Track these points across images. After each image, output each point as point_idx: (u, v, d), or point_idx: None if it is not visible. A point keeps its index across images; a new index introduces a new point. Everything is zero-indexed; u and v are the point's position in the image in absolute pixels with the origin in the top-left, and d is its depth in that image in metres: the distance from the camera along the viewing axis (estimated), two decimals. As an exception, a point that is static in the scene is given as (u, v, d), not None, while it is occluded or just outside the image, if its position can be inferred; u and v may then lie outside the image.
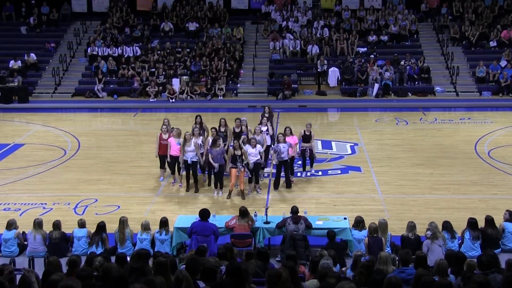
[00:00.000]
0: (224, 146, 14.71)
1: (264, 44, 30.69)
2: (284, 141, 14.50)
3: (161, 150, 15.18)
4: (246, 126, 15.99)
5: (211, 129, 15.12)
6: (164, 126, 15.38)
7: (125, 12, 31.93)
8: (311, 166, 15.87)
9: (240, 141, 14.53)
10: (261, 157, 14.46)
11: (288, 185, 14.95)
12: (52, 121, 23.66)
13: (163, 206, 14.14)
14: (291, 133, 15.06)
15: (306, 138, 15.42)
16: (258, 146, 14.40)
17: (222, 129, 15.62)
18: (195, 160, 14.57)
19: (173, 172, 15.27)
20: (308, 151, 15.49)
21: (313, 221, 11.39)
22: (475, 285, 6.50)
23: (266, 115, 16.44)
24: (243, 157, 14.20)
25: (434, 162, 17.09)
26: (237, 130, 15.78)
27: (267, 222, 11.51)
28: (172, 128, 15.50)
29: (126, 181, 15.91)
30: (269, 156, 15.74)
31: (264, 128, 15.61)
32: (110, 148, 19.54)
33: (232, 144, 15.20)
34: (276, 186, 14.90)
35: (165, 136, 15.12)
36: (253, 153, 14.23)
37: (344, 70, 27.75)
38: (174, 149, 14.83)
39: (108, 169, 17.00)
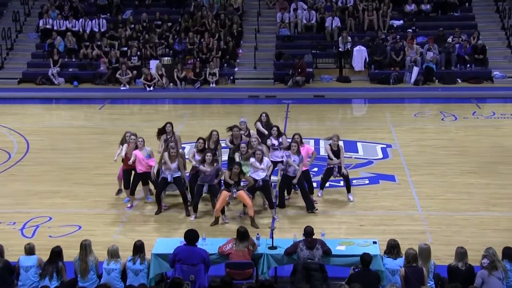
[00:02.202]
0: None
1: (269, 16, 30.76)
2: (298, 152, 14.48)
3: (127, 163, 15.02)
4: (247, 129, 15.68)
5: (198, 140, 14.80)
6: (132, 141, 14.78)
7: (88, -27, 32.03)
8: (349, 191, 15.41)
9: (237, 155, 14.45)
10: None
11: (281, 204, 14.86)
12: (-7, 115, 23.76)
13: (137, 226, 14.12)
14: (301, 142, 14.85)
15: (334, 153, 15.19)
16: (266, 159, 14.28)
17: (212, 145, 15.10)
18: (177, 175, 14.52)
19: (132, 193, 15.10)
20: (337, 168, 15.21)
21: (332, 246, 11.37)
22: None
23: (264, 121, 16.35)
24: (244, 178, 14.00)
25: (492, 169, 17.06)
26: (237, 141, 15.23)
27: (273, 247, 11.49)
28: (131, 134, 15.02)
29: (90, 193, 15.91)
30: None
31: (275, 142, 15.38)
32: (69, 150, 19.55)
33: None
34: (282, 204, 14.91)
35: (143, 153, 14.86)
36: (259, 169, 14.13)
37: (374, 50, 27.78)
38: (142, 164, 14.72)
39: (66, 178, 16.98)
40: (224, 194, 13.99)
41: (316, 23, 29.52)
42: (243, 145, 14.49)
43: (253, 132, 15.75)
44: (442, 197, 15.43)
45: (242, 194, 13.91)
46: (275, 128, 15.44)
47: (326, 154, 15.24)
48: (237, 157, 14.73)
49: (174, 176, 14.42)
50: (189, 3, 30.90)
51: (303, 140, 15.05)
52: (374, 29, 29.04)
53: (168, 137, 15.37)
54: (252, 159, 14.08)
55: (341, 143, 15.40)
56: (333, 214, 14.64)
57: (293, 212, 14.77)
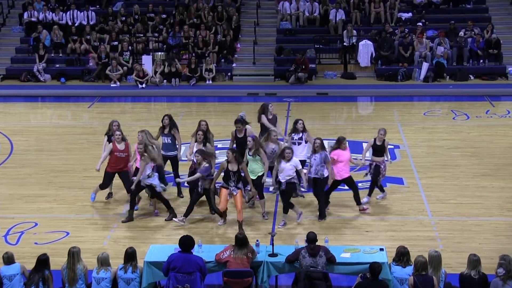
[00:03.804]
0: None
1: (269, 8, 30.82)
2: (322, 148, 14.39)
3: (112, 165, 15.11)
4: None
5: (196, 132, 15.04)
6: (117, 134, 15.04)
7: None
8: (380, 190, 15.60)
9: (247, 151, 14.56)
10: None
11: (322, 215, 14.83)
12: (-26, 114, 23.81)
13: (129, 233, 14.14)
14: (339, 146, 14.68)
15: (378, 149, 15.26)
16: (294, 159, 14.17)
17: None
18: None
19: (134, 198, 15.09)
20: (383, 167, 15.24)
21: (337, 253, 11.40)
22: None
23: (270, 116, 16.45)
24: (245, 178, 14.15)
25: (506, 172, 17.10)
26: (240, 135, 15.50)
27: (273, 255, 11.52)
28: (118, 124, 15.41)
29: (78, 197, 15.93)
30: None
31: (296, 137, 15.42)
32: (56, 151, 19.60)
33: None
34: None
35: (120, 147, 14.97)
36: (287, 169, 14.05)
37: (381, 44, 27.82)
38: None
39: (53, 181, 17.03)
40: (224, 192, 14.10)
41: (320, 16, 29.57)
42: (249, 138, 14.52)
43: (249, 127, 15.69)
44: (454, 201, 15.46)
45: (239, 197, 14.02)
46: (300, 122, 15.60)
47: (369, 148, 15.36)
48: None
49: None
50: (184, -5, 30.96)
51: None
52: (381, 22, 29.09)
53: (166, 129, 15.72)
54: (283, 163, 13.97)
55: (387, 140, 15.43)
56: (337, 219, 14.65)
57: (295, 217, 14.78)
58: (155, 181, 14.43)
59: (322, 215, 14.60)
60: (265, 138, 15.17)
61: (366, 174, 15.40)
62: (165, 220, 14.56)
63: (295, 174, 14.08)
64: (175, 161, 15.89)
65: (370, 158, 15.46)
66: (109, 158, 15.11)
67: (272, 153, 14.84)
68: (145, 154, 14.24)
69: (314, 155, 14.40)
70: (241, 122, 15.54)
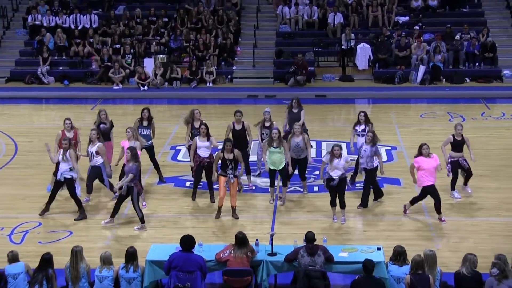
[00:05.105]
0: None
1: (269, 12, 30.86)
2: (373, 141, 14.72)
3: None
4: (270, 120, 16.34)
5: (200, 126, 15.37)
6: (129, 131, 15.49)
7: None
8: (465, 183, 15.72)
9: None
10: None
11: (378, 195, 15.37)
12: (-21, 115, 23.83)
13: (131, 232, 14.16)
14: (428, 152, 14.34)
15: (457, 145, 15.37)
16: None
17: (197, 124, 16.07)
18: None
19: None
20: (464, 162, 15.36)
21: (335, 253, 11.42)
22: None
23: (295, 110, 17.02)
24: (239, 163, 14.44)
25: (502, 173, 17.12)
26: (238, 126, 16.03)
27: (272, 254, 11.54)
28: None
29: (81, 197, 15.89)
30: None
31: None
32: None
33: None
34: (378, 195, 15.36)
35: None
36: (340, 165, 14.09)
37: (378, 48, 27.86)
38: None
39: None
40: (222, 180, 14.37)
41: (318, 19, 29.62)
42: (275, 131, 14.92)
43: (275, 123, 16.31)
44: (450, 201, 15.46)
45: (235, 183, 14.42)
46: (362, 114, 16.21)
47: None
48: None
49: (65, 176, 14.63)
50: (185, -2, 31.01)
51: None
52: (378, 26, 29.15)
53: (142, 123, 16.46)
54: (336, 160, 14.02)
55: (466, 136, 15.48)
56: (335, 220, 14.66)
57: (294, 217, 14.81)
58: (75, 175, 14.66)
59: (363, 203, 15.10)
60: (292, 133, 15.56)
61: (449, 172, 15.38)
62: (74, 219, 14.67)
63: (343, 170, 14.19)
64: (151, 150, 16.44)
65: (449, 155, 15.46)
66: None
67: (296, 147, 15.21)
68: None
69: (365, 147, 14.74)
70: (240, 112, 16.14)
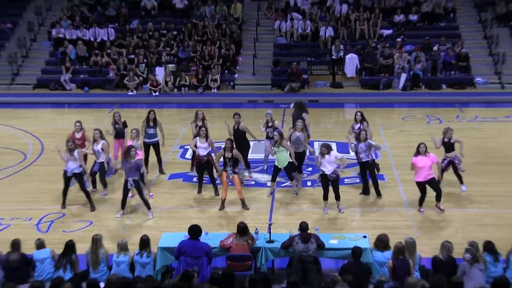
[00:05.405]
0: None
1: (267, 26, 30.85)
2: (365, 139, 14.85)
3: None
4: (272, 120, 16.62)
5: (201, 128, 15.58)
6: (133, 131, 15.86)
7: (98, -15, 32.14)
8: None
9: (271, 144, 15.41)
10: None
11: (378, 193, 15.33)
12: (9, 118, 23.81)
13: (144, 222, 14.23)
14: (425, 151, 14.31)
15: (448, 146, 15.46)
16: (333, 152, 14.37)
17: (200, 123, 16.55)
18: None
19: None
20: (457, 159, 15.41)
21: (326, 240, 11.45)
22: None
23: (296, 113, 17.36)
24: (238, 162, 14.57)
25: (475, 170, 17.11)
26: (236, 126, 16.39)
27: (270, 241, 11.58)
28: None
29: (100, 191, 15.97)
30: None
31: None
32: (80, 151, 19.59)
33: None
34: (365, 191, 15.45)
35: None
36: (330, 160, 14.17)
37: (365, 57, 27.88)
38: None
39: (78, 177, 17.06)
40: (224, 175, 14.58)
41: (311, 32, 29.62)
42: (276, 133, 15.28)
43: (277, 122, 16.76)
44: (428, 194, 15.41)
45: (236, 178, 14.54)
46: (359, 113, 16.47)
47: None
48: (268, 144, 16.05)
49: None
50: (192, 14, 30.98)
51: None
52: (365, 38, 29.16)
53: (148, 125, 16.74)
54: (327, 157, 14.14)
55: (457, 138, 15.60)
56: (326, 211, 14.70)
57: (289, 208, 14.86)
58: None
59: (378, 194, 15.26)
60: (294, 129, 15.84)
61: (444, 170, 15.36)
62: (90, 211, 14.83)
63: (335, 166, 14.32)
64: (157, 146, 16.76)
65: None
66: None
67: (296, 140, 15.52)
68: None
69: (359, 144, 14.87)
70: (238, 115, 16.52)
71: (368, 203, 15.15)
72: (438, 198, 14.46)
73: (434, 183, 14.36)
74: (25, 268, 11.29)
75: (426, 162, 14.15)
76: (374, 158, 15.29)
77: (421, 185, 14.27)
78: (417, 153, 14.27)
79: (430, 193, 14.43)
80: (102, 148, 15.30)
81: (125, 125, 17.02)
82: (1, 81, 28.33)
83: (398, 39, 28.70)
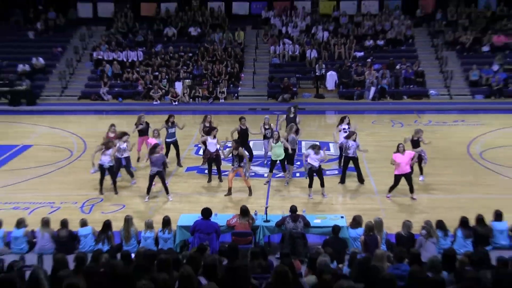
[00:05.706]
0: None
1: (264, 49, 30.77)
2: (354, 140, 14.94)
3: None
4: (269, 124, 16.60)
5: (213, 129, 15.70)
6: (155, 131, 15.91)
7: (129, 17, 32.01)
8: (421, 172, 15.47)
9: (271, 141, 15.30)
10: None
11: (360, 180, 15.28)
12: (59, 123, 23.75)
13: (166, 205, 14.21)
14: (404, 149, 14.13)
15: (414, 143, 15.36)
16: (321, 152, 14.15)
17: (208, 124, 16.38)
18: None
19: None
20: (423, 153, 15.32)
21: (311, 220, 11.45)
22: (467, 281, 6.57)
23: (292, 115, 17.31)
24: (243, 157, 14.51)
25: (429, 164, 17.00)
26: (244, 127, 16.43)
27: (267, 221, 11.58)
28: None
29: (130, 181, 15.94)
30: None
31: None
32: (115, 149, 19.57)
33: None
34: (343, 181, 15.36)
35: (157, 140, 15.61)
36: (320, 156, 14.09)
37: (342, 74, 27.82)
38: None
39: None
40: (231, 168, 14.65)
41: (299, 54, 29.56)
42: (275, 132, 15.26)
43: (272, 124, 16.85)
44: (402, 185, 15.44)
45: (241, 170, 14.48)
46: (347, 118, 16.66)
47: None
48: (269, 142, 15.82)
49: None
50: (204, 39, 30.92)
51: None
52: (342, 59, 29.09)
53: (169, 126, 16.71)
54: (320, 153, 14.08)
55: (422, 138, 15.42)
56: (311, 196, 14.67)
57: (283, 195, 14.85)
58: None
59: (360, 180, 15.25)
60: (289, 130, 15.76)
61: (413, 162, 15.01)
62: (114, 194, 14.83)
63: (318, 162, 14.22)
64: (176, 143, 16.74)
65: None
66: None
67: (293, 140, 15.48)
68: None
69: (351, 142, 14.88)
70: (244, 118, 16.56)
71: (345, 189, 15.12)
72: (411, 190, 14.33)
73: (409, 177, 14.24)
74: (72, 242, 11.31)
75: (404, 159, 14.10)
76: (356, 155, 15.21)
77: (398, 177, 14.21)
78: (397, 151, 14.21)
79: (400, 184, 14.35)
80: (126, 146, 15.21)
81: (147, 125, 17.00)
82: (53, 93, 28.23)
83: (368, 60, 28.61)
